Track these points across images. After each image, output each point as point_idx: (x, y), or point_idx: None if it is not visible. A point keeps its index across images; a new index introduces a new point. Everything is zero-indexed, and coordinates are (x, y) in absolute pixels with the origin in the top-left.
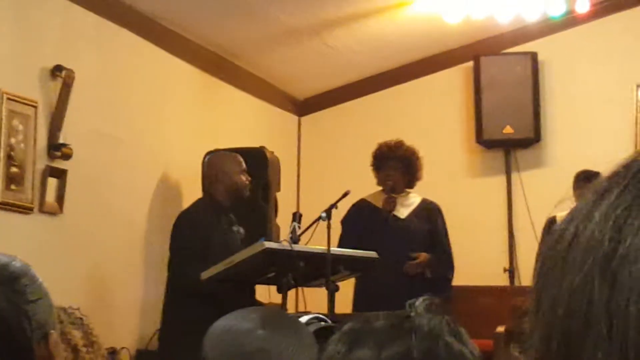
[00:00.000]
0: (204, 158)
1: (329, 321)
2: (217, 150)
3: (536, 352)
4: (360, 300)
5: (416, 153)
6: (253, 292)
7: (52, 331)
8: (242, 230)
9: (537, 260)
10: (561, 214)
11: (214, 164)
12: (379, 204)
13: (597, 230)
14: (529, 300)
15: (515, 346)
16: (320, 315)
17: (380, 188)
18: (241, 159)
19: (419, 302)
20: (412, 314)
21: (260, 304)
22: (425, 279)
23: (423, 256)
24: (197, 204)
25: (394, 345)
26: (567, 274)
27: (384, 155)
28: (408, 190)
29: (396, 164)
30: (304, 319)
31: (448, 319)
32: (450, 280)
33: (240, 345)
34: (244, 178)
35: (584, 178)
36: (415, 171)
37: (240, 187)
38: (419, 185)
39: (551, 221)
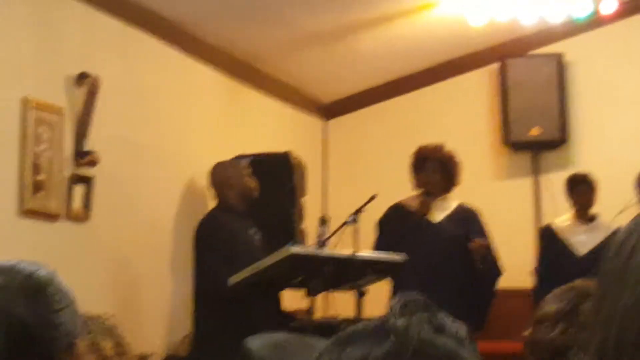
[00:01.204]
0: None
1: None
2: (241, 156)
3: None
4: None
5: (455, 157)
6: (279, 300)
7: (78, 340)
8: (258, 234)
9: (537, 265)
10: (557, 222)
11: (221, 172)
12: (415, 207)
13: None
14: (541, 306)
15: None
16: None
17: (416, 192)
18: (244, 164)
19: (395, 302)
20: (390, 315)
21: (285, 312)
22: (460, 282)
23: (486, 241)
24: (216, 211)
25: (376, 348)
26: (623, 291)
27: (424, 157)
28: (445, 194)
29: (436, 166)
30: None
31: (427, 315)
32: (495, 280)
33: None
34: (251, 181)
35: (577, 181)
36: (454, 175)
37: (250, 190)
38: None
39: (546, 228)
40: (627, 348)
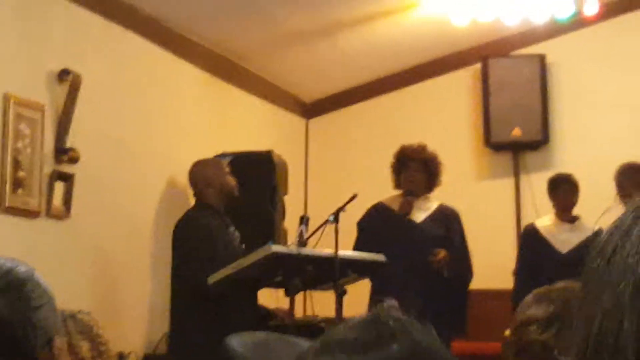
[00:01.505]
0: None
1: None
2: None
3: None
4: (375, 304)
5: (438, 157)
6: (256, 297)
7: (57, 336)
8: (237, 232)
9: (517, 263)
10: (540, 222)
11: (200, 171)
12: (396, 207)
13: (632, 252)
14: (524, 307)
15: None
16: None
17: (397, 192)
18: (224, 162)
19: (386, 305)
20: (381, 317)
21: (263, 308)
22: (440, 283)
23: (443, 253)
24: (194, 210)
25: (369, 352)
26: (603, 293)
27: (406, 157)
28: (427, 194)
29: (418, 166)
30: None
31: (416, 319)
32: (467, 284)
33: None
34: (231, 179)
35: (559, 182)
36: (436, 175)
37: (230, 188)
38: None
39: (530, 229)
40: (607, 350)
